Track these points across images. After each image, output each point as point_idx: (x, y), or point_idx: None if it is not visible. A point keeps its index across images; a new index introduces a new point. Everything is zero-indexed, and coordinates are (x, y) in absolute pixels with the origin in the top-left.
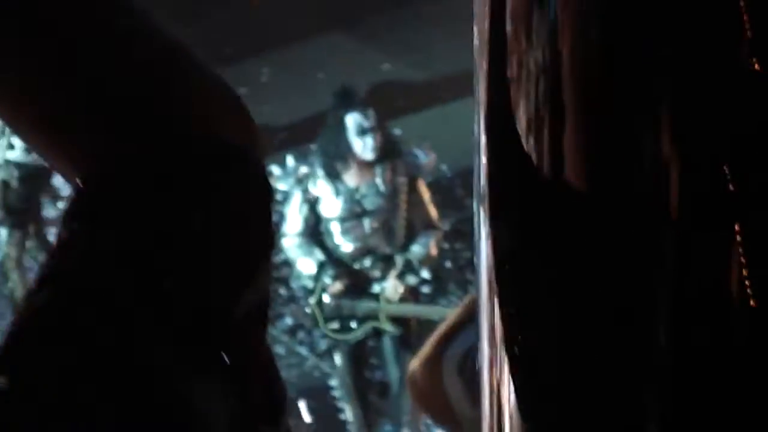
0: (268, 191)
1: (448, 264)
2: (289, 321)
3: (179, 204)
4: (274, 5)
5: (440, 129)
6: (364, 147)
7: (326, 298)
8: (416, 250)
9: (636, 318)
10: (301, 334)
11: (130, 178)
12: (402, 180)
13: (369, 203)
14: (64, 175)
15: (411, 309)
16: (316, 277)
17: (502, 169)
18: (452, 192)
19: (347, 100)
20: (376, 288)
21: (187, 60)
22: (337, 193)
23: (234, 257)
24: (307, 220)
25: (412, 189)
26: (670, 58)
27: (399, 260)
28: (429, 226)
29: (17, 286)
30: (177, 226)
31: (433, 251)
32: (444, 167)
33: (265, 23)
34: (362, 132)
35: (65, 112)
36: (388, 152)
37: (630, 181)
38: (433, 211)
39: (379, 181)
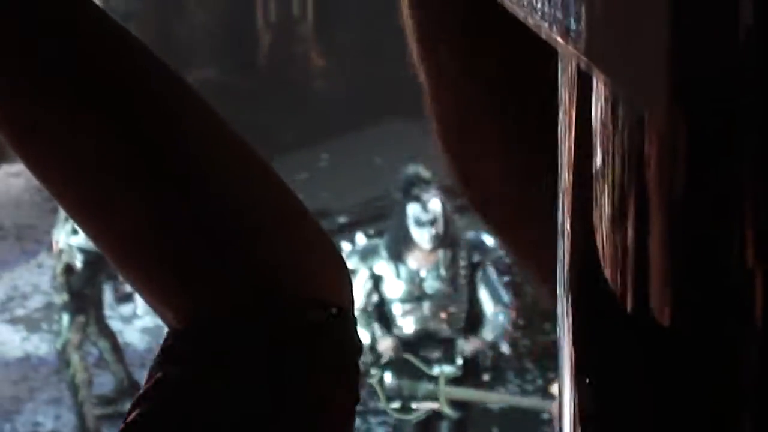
0: (360, 348)
1: (506, 351)
2: None
3: (279, 362)
4: (334, 93)
5: None
6: (421, 238)
7: (387, 377)
8: (499, 318)
9: None
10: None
11: (237, 330)
12: (462, 265)
13: (429, 287)
14: (160, 312)
15: (471, 393)
16: (376, 356)
17: (584, 277)
18: (511, 278)
19: (409, 190)
20: (435, 370)
21: (302, 216)
22: (398, 275)
23: (329, 409)
24: (369, 297)
25: (474, 275)
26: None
27: (460, 345)
28: (505, 305)
29: (78, 370)
30: (274, 384)
31: (510, 327)
32: (503, 254)
33: (325, 110)
34: (420, 224)
35: (179, 256)
36: (448, 241)
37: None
38: (496, 299)
39: (440, 266)
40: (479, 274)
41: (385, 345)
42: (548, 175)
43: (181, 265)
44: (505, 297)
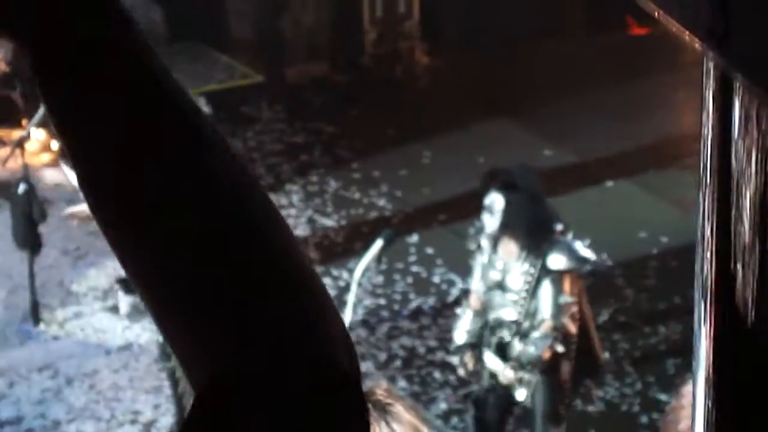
0: (367, 413)
1: (606, 355)
2: (443, 405)
3: (299, 426)
4: (439, 91)
5: (600, 215)
6: (490, 225)
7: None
8: (530, 350)
9: None
10: (454, 420)
11: (262, 395)
12: (537, 267)
13: (509, 280)
14: (189, 373)
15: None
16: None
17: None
18: (611, 281)
19: (486, 184)
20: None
21: (320, 287)
22: (488, 262)
23: None
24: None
25: (554, 282)
26: None
27: (515, 347)
28: (556, 329)
29: (178, 365)
30: None
31: (546, 355)
32: (604, 255)
33: (429, 108)
34: (491, 212)
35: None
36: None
37: None
38: (564, 313)
39: (522, 262)
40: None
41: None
42: None
43: (219, 324)
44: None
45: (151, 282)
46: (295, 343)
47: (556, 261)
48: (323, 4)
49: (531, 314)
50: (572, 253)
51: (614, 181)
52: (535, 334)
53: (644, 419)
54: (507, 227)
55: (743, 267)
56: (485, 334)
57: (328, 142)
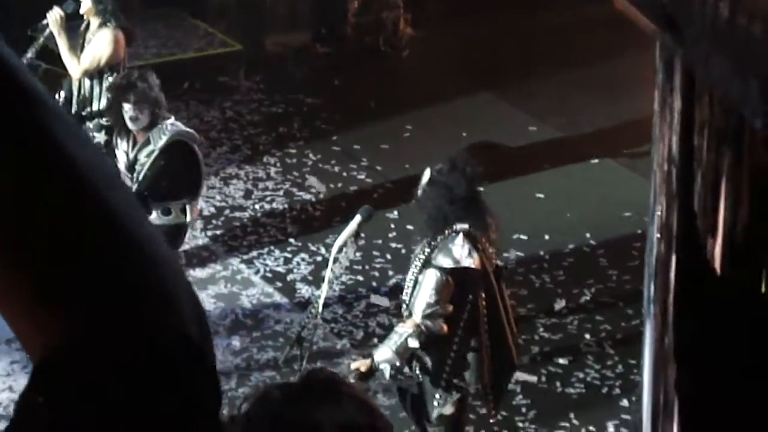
0: (217, 384)
1: (587, 336)
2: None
3: (133, 396)
4: (423, 63)
5: (585, 191)
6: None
7: None
8: (391, 344)
9: None
10: None
11: (97, 361)
12: (424, 258)
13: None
14: (24, 345)
15: None
16: None
17: (693, 269)
18: (595, 260)
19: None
20: None
21: (163, 255)
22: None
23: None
24: None
25: (433, 278)
26: None
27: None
28: (418, 326)
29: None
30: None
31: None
32: (587, 234)
33: (413, 80)
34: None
35: (53, 281)
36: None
37: None
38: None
39: (420, 248)
40: None
41: None
42: None
43: (54, 290)
44: None
45: None
46: (128, 313)
47: (441, 259)
48: None
49: (409, 301)
50: (451, 255)
51: (600, 159)
52: (397, 329)
53: (624, 402)
54: (421, 204)
55: (690, 247)
56: None
57: (308, 114)
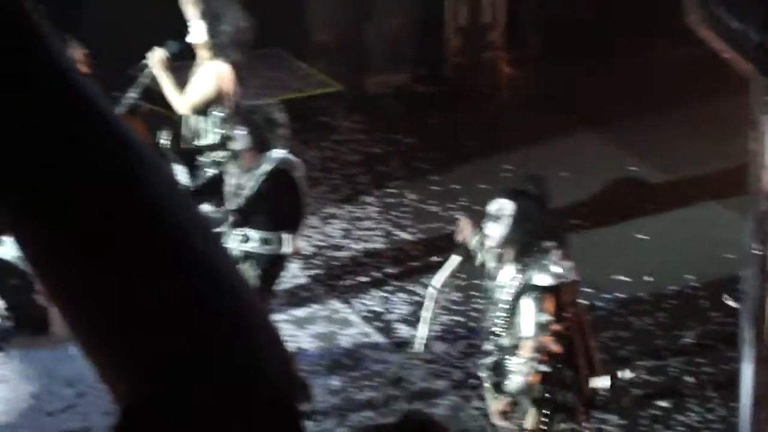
0: (299, 426)
1: (689, 379)
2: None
3: None
4: (523, 103)
5: (686, 232)
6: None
7: None
8: (516, 378)
9: None
10: None
11: (181, 412)
12: (521, 281)
13: (498, 291)
14: (113, 391)
15: None
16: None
17: None
18: (696, 302)
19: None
20: None
21: (261, 313)
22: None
23: None
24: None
25: (535, 300)
26: None
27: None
28: (537, 349)
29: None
30: None
31: (534, 379)
32: (689, 275)
33: (512, 120)
34: (496, 220)
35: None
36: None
37: None
38: None
39: (510, 274)
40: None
41: None
42: None
43: (145, 344)
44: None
45: (75, 307)
46: (213, 365)
47: (540, 278)
48: (406, 13)
49: (511, 330)
50: (549, 271)
51: (700, 200)
52: (517, 360)
53: None
54: (511, 235)
55: None
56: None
57: (407, 154)
